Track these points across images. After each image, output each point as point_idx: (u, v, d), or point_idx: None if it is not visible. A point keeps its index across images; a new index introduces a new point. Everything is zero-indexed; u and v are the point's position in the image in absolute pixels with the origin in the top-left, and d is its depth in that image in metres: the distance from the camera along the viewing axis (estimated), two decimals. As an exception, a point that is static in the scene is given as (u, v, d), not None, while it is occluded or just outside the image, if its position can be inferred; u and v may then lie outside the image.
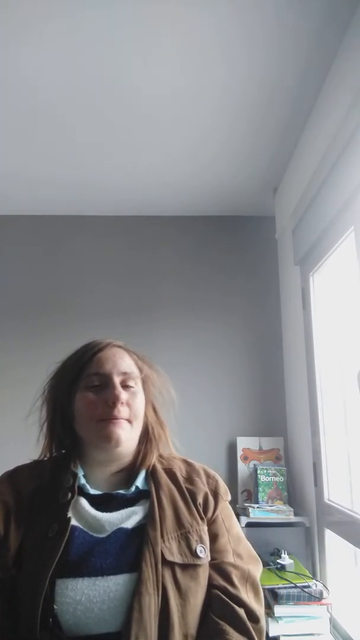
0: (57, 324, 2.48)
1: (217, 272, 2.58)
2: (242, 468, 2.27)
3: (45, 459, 0.92)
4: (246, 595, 0.83)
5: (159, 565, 0.76)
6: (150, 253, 2.59)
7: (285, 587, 1.58)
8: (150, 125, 1.88)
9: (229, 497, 0.94)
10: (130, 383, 0.89)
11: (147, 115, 1.82)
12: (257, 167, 2.20)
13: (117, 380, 0.87)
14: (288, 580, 1.60)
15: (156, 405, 0.97)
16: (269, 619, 1.51)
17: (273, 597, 1.57)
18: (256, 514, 1.97)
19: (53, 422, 0.91)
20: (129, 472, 0.90)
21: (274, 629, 1.50)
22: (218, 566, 0.85)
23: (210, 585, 0.82)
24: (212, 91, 1.69)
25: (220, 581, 0.83)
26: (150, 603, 0.73)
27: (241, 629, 0.78)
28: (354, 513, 1.49)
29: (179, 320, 2.44)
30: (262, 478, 2.13)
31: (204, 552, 0.83)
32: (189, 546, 0.82)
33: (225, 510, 0.92)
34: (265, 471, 2.15)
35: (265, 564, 1.79)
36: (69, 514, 0.80)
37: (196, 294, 2.54)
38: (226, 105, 1.77)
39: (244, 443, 2.31)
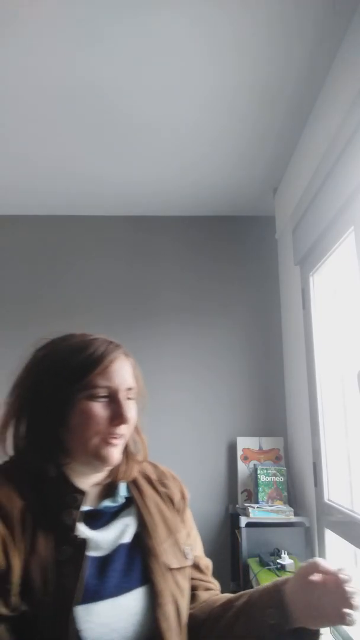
0: (57, 324, 2.47)
1: (217, 272, 2.58)
2: (242, 468, 2.27)
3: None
4: (214, 586, 0.91)
5: (167, 574, 0.78)
6: (150, 253, 2.59)
7: (285, 587, 1.58)
8: (150, 126, 1.88)
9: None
10: (131, 397, 0.83)
11: (148, 116, 1.82)
12: (257, 167, 2.20)
13: (122, 396, 0.80)
14: (288, 580, 1.60)
15: (138, 417, 0.87)
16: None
17: (273, 597, 1.56)
18: (256, 514, 1.97)
19: (45, 420, 0.78)
20: (109, 483, 0.85)
21: (274, 629, 1.50)
22: (194, 561, 0.88)
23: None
24: (212, 91, 1.69)
25: (196, 574, 0.88)
26: (170, 611, 0.75)
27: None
28: (354, 513, 1.49)
29: (179, 320, 2.44)
30: (262, 478, 2.13)
31: (190, 553, 0.85)
32: (179, 549, 0.83)
33: (188, 509, 0.94)
34: (265, 471, 2.15)
35: (265, 564, 1.79)
36: (81, 536, 0.74)
37: (196, 294, 2.54)
38: (226, 106, 1.77)
39: (244, 443, 2.31)
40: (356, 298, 1.51)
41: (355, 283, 1.45)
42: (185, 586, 0.81)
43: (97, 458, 0.78)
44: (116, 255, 2.59)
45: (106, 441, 0.78)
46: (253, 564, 1.85)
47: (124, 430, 0.79)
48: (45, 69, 1.57)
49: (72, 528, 0.73)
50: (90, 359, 0.79)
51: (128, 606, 0.73)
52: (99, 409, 0.77)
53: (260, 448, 2.30)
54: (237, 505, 2.20)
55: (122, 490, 0.84)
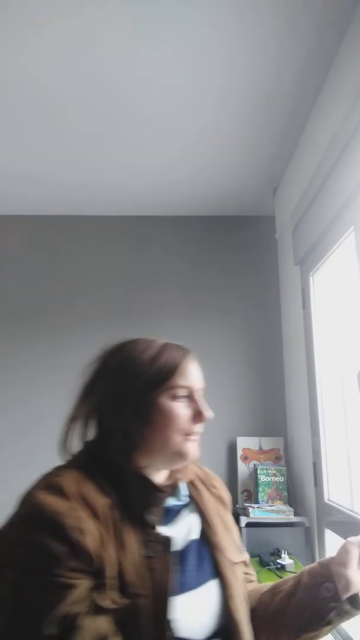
0: (57, 324, 2.48)
1: (217, 272, 2.58)
2: (242, 468, 2.27)
3: (71, 462, 0.83)
4: (254, 578, 0.99)
5: (231, 568, 0.85)
6: (150, 253, 2.60)
7: (285, 587, 1.58)
8: (150, 126, 1.88)
9: None
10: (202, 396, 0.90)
11: (147, 116, 1.82)
12: (257, 167, 2.20)
13: (199, 395, 0.88)
14: (288, 580, 1.60)
15: None
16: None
17: (273, 597, 1.56)
18: (256, 514, 1.97)
19: (115, 420, 0.82)
20: (171, 484, 0.89)
21: (274, 629, 1.50)
22: None
23: None
24: (212, 91, 1.69)
25: (242, 567, 0.93)
26: (241, 602, 0.83)
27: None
28: (354, 513, 1.49)
29: (179, 320, 2.45)
30: (262, 478, 2.13)
31: (243, 548, 0.94)
32: (236, 545, 0.90)
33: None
34: (265, 471, 2.15)
35: (266, 564, 1.79)
36: (165, 534, 0.78)
37: (196, 294, 2.54)
38: (226, 105, 1.77)
39: (244, 443, 2.31)
40: (356, 298, 1.51)
41: (355, 283, 1.45)
42: (242, 578, 0.88)
43: (179, 454, 0.83)
44: (116, 255, 2.59)
45: (187, 438, 0.83)
46: (253, 563, 1.84)
47: (201, 427, 0.86)
48: (40, 69, 1.57)
49: (156, 526, 0.78)
50: (171, 362, 0.86)
51: (205, 598, 0.79)
52: (181, 408, 0.84)
53: (260, 448, 2.30)
54: (237, 505, 2.20)
55: (184, 489, 0.90)
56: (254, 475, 2.18)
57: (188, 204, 2.53)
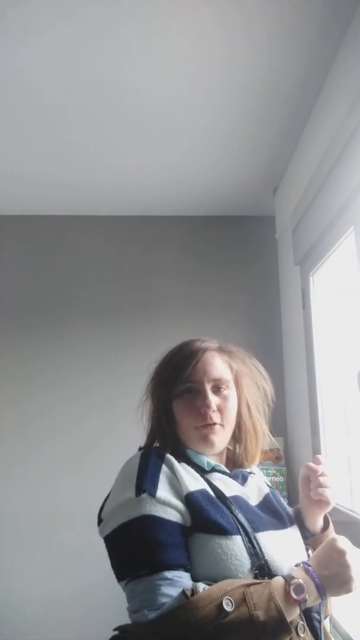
0: (57, 324, 2.48)
1: (217, 272, 2.58)
2: (242, 468, 2.27)
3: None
4: None
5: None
6: (150, 253, 2.59)
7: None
8: (150, 126, 1.88)
9: None
10: (222, 387, 0.99)
11: (147, 116, 1.82)
12: (257, 167, 2.20)
13: (208, 387, 0.97)
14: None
15: (250, 401, 1.08)
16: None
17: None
18: (256, 514, 1.96)
19: (158, 419, 0.99)
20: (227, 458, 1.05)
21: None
22: None
23: None
24: (212, 91, 1.69)
25: None
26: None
27: None
28: (354, 513, 1.49)
29: (179, 320, 2.44)
30: (262, 478, 2.13)
31: None
32: None
33: None
34: (265, 471, 2.15)
35: (265, 564, 1.79)
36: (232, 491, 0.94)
37: (196, 294, 2.53)
38: (226, 105, 1.77)
39: (244, 443, 2.31)
40: (356, 298, 1.51)
41: (355, 283, 1.45)
42: None
43: (198, 444, 0.96)
44: (116, 255, 2.59)
45: (200, 428, 0.95)
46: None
47: (215, 418, 0.95)
48: (41, 68, 1.57)
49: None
50: (180, 362, 0.99)
51: (290, 537, 0.93)
52: (188, 402, 0.96)
53: (260, 448, 2.30)
54: (237, 505, 2.20)
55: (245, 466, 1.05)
56: (254, 475, 2.18)
57: (188, 204, 2.53)
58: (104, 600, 1.83)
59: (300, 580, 0.79)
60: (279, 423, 2.38)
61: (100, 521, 0.89)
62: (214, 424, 0.95)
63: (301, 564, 0.84)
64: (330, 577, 0.82)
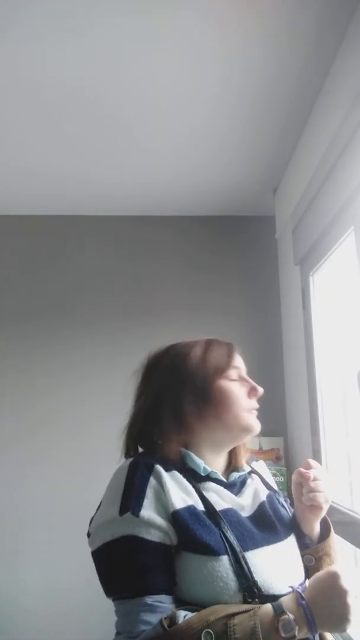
0: (57, 323, 2.48)
1: (216, 272, 2.57)
2: (242, 468, 2.27)
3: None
4: None
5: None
6: (150, 253, 2.59)
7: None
8: (149, 126, 1.88)
9: None
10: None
11: (146, 115, 1.82)
12: (257, 167, 2.20)
13: (246, 376, 1.03)
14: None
15: None
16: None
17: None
18: (256, 514, 1.96)
19: (170, 416, 0.94)
20: (228, 457, 1.02)
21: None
22: None
23: None
24: (211, 91, 1.69)
25: None
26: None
27: None
28: (354, 513, 1.49)
29: (179, 320, 2.44)
30: (262, 478, 2.13)
31: None
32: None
33: None
34: (265, 471, 2.15)
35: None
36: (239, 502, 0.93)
37: (196, 294, 2.53)
38: (226, 105, 1.77)
39: (244, 443, 2.31)
40: (356, 298, 1.51)
41: (355, 283, 1.45)
42: None
43: (246, 426, 0.96)
44: (116, 255, 2.59)
45: (251, 412, 0.97)
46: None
47: (256, 403, 0.99)
48: (40, 67, 1.57)
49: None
50: (226, 350, 1.04)
51: (285, 552, 0.89)
52: (238, 387, 0.99)
53: (260, 448, 2.30)
54: (237, 505, 2.20)
55: (244, 464, 1.03)
56: (254, 475, 2.18)
57: (188, 204, 2.53)
58: (105, 600, 1.83)
59: (291, 617, 0.72)
60: (279, 423, 2.38)
61: (89, 534, 0.88)
62: (256, 408, 0.99)
63: (295, 595, 0.77)
64: (325, 617, 0.75)
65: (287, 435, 2.32)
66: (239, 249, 2.60)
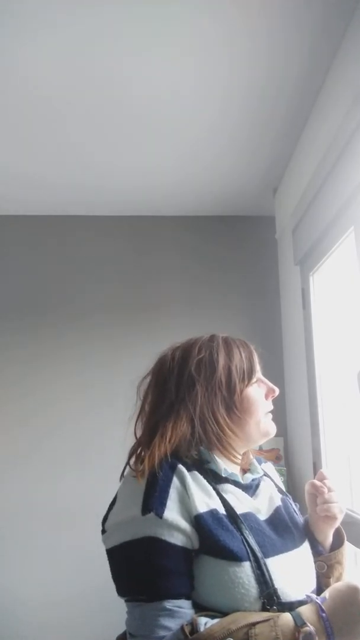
0: (57, 323, 2.48)
1: (217, 272, 2.57)
2: (242, 468, 2.27)
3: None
4: None
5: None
6: (150, 253, 2.59)
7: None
8: (150, 126, 1.88)
9: None
10: None
11: (148, 116, 1.82)
12: (257, 167, 2.20)
13: (262, 376, 1.02)
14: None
15: None
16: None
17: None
18: (256, 514, 1.96)
19: (213, 402, 0.92)
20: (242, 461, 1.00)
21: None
22: None
23: None
24: (212, 92, 1.69)
25: None
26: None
27: None
28: (354, 513, 1.49)
29: (179, 320, 2.44)
30: (262, 478, 2.13)
31: None
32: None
33: None
34: (265, 471, 2.15)
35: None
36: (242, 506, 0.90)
37: (196, 293, 2.53)
38: (226, 106, 1.77)
39: (244, 443, 2.31)
40: (356, 298, 1.51)
41: (355, 283, 1.45)
42: None
43: (265, 430, 1.00)
44: (116, 255, 2.59)
45: (268, 415, 1.00)
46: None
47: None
48: (40, 67, 1.57)
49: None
50: (248, 356, 1.01)
51: (301, 559, 0.88)
52: (257, 390, 0.98)
53: (260, 448, 2.29)
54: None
55: (257, 466, 1.02)
56: (254, 475, 2.17)
57: (188, 204, 2.53)
58: (105, 600, 1.83)
59: (312, 629, 0.71)
60: (279, 423, 2.37)
61: (104, 530, 0.85)
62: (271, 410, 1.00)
63: (315, 606, 0.76)
64: (344, 631, 0.74)
65: (287, 435, 2.32)
66: (239, 249, 2.60)
